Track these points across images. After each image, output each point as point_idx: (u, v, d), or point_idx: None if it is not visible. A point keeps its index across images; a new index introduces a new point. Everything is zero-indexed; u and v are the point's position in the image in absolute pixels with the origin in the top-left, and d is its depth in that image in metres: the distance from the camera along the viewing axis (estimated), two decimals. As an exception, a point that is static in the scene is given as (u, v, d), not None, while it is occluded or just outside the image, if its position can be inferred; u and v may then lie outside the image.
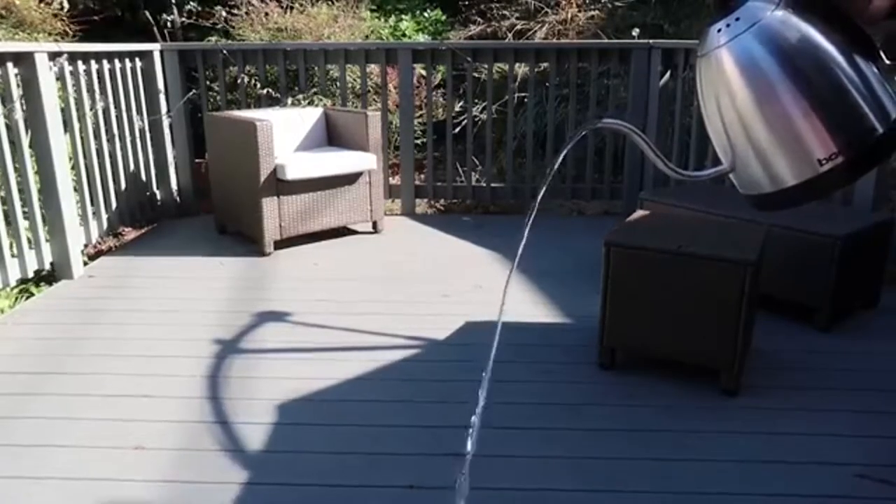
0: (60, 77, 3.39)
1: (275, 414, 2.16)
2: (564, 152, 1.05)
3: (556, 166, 1.07)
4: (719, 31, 0.81)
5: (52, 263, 3.29)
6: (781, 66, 0.78)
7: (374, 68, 5.15)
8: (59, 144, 3.23)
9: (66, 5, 5.95)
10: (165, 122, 4.39)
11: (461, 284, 3.25)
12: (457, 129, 4.81)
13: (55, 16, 6.02)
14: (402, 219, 4.53)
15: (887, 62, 0.79)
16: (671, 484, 1.82)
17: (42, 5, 5.90)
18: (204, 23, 6.16)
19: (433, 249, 3.92)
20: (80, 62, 3.57)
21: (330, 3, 6.42)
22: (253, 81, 4.69)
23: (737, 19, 0.80)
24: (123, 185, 4.01)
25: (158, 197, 4.44)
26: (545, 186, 1.00)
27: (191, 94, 4.51)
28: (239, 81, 4.69)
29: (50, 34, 5.86)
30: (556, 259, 3.56)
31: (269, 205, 3.60)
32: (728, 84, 0.81)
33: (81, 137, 3.61)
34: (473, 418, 1.00)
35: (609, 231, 2.37)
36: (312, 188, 3.72)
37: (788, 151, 0.80)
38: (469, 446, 1.00)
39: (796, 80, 0.78)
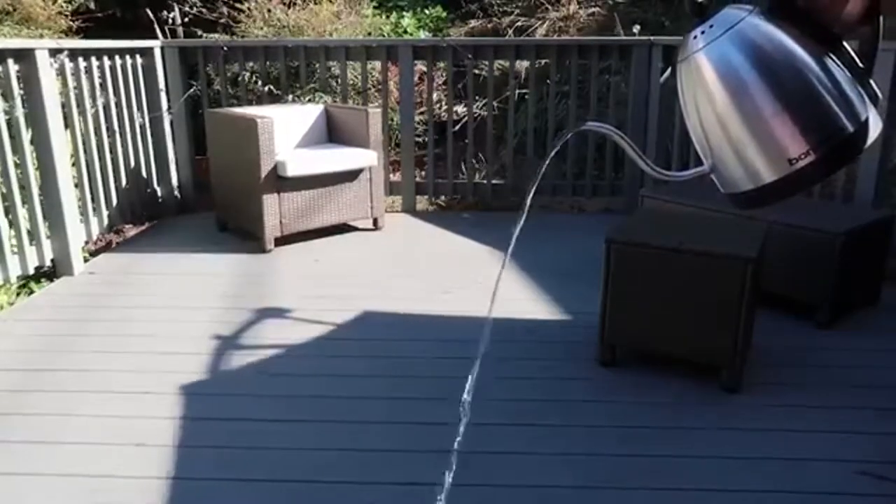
0: (61, 74, 3.39)
1: (274, 410, 2.16)
2: (550, 156, 1.07)
3: (542, 171, 1.09)
4: (695, 37, 0.86)
5: (52, 260, 3.29)
6: (754, 68, 0.82)
7: (375, 65, 5.15)
8: (60, 141, 3.23)
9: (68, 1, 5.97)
10: (166, 119, 4.39)
11: (461, 281, 3.25)
12: (457, 126, 4.80)
13: (60, 13, 6.03)
14: (402, 216, 4.53)
15: (860, 65, 0.82)
16: (671, 481, 1.82)
17: (46, 2, 5.91)
18: (208, 15, 6.15)
19: (434, 246, 3.91)
20: (80, 59, 3.57)
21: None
22: (254, 78, 4.69)
23: (711, 26, 0.85)
24: (124, 182, 4.01)
25: (159, 194, 4.44)
26: (532, 192, 1.02)
27: (191, 90, 4.50)
28: (240, 78, 4.69)
29: (55, 31, 5.86)
30: (557, 256, 3.56)
31: (270, 201, 3.60)
32: (705, 85, 0.85)
33: (82, 134, 3.61)
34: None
35: (610, 228, 2.37)
36: (313, 185, 3.72)
37: (763, 149, 0.84)
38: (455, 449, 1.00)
39: (769, 82, 0.82)
